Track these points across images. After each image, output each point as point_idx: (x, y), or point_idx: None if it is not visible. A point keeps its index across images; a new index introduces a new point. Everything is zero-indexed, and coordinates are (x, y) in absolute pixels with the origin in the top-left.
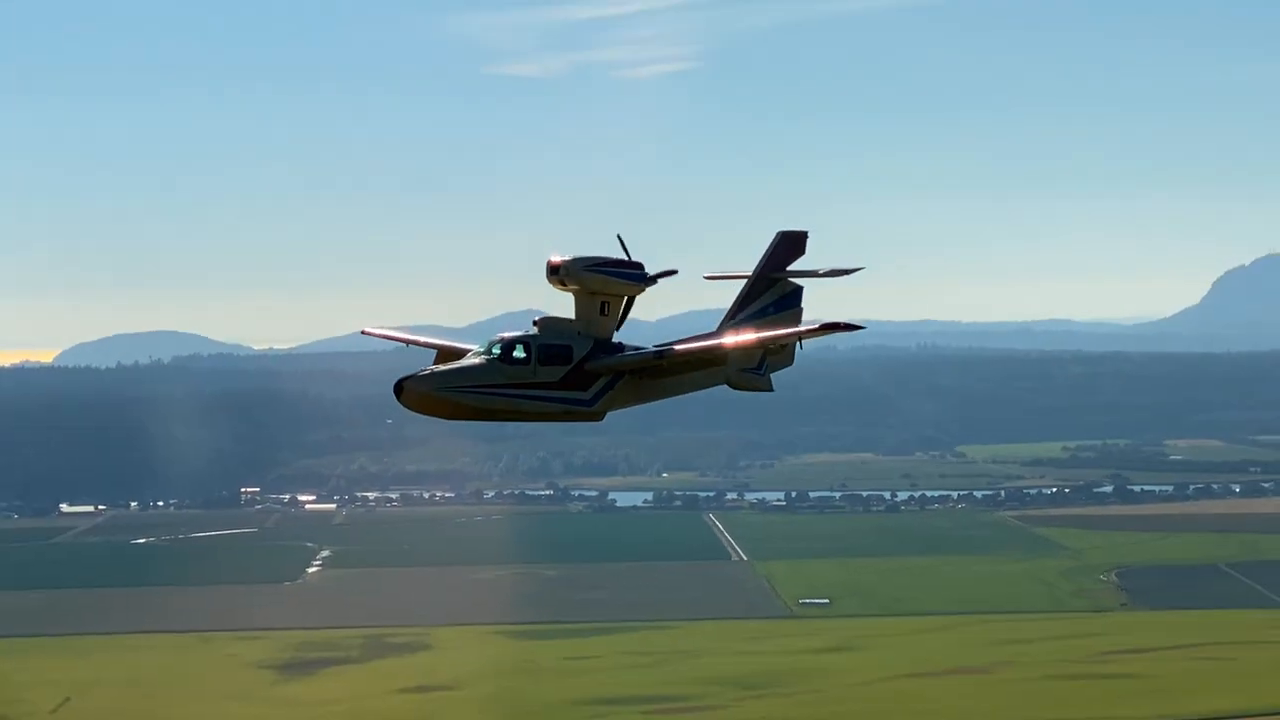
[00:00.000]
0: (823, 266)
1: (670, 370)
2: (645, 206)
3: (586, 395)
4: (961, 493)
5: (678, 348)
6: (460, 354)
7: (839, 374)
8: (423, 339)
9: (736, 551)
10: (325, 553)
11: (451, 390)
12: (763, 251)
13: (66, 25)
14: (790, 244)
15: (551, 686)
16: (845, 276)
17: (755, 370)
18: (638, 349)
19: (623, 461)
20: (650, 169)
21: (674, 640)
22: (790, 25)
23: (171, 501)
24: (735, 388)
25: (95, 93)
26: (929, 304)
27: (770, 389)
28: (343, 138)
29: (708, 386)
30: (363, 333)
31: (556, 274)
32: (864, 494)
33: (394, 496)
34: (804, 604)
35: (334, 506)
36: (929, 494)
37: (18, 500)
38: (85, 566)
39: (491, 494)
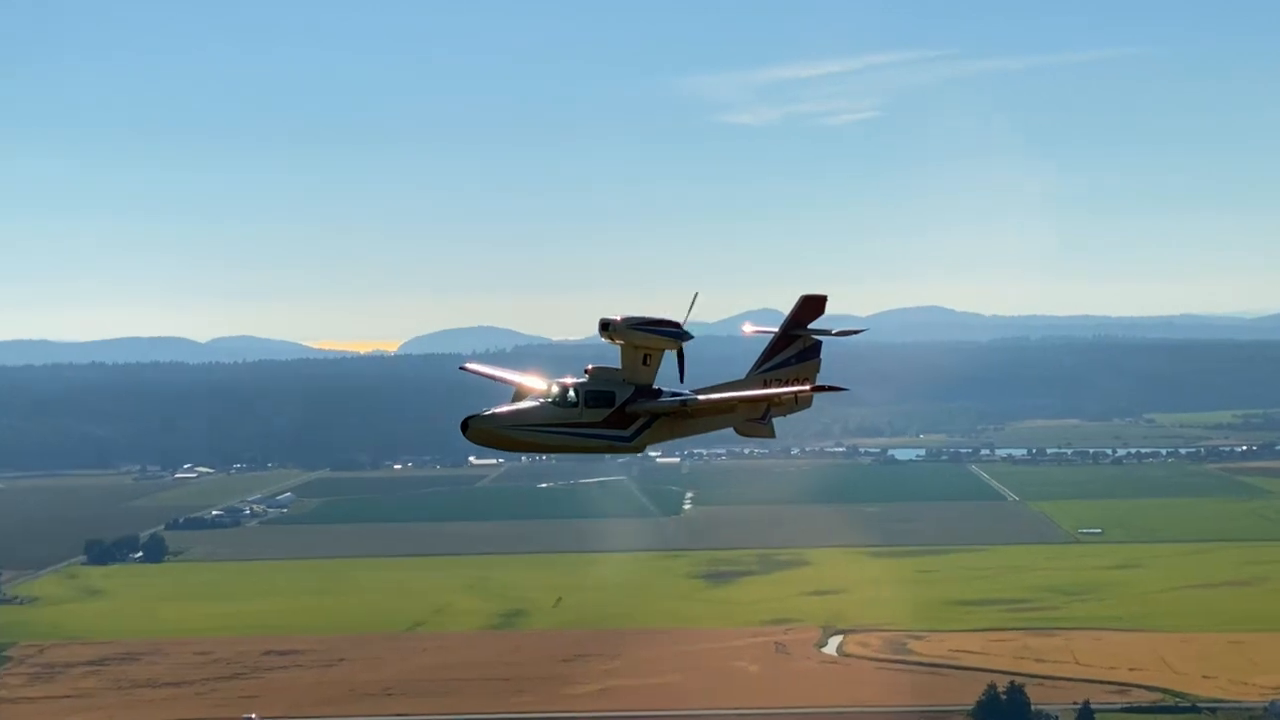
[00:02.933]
0: (834, 328)
1: (694, 415)
2: (839, 222)
3: (626, 433)
4: (1167, 450)
5: (700, 398)
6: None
7: (1037, 358)
8: (507, 377)
9: (1008, 494)
10: (689, 494)
11: (509, 428)
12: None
13: (434, 81)
14: (811, 306)
15: (917, 591)
16: (852, 336)
17: (759, 420)
18: (675, 394)
19: (887, 425)
20: (840, 198)
21: (992, 559)
22: (955, 79)
23: (553, 456)
24: (741, 434)
25: (431, 150)
26: (1088, 302)
27: (772, 435)
28: (602, 175)
29: (723, 428)
30: (461, 369)
31: (607, 330)
32: (1090, 450)
33: (721, 452)
34: (1082, 532)
35: (677, 459)
36: (1141, 450)
37: (437, 454)
38: (515, 504)
39: (797, 450)
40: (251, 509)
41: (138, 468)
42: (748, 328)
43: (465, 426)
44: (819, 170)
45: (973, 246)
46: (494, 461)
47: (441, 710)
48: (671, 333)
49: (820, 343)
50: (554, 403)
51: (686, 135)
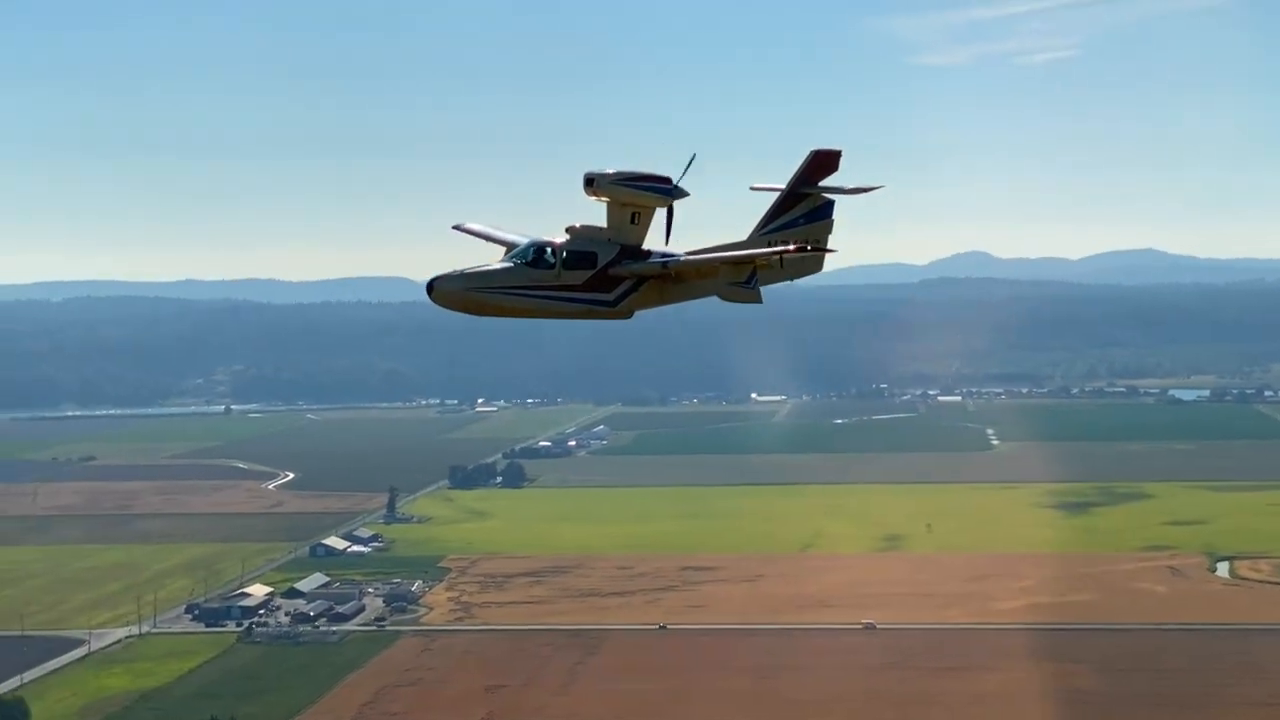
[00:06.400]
0: (848, 184)
1: (680, 278)
2: (1039, 164)
3: (609, 297)
4: None
5: (682, 258)
6: None
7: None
8: (503, 236)
9: None
10: (990, 430)
11: (478, 290)
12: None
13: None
14: (823, 161)
15: (1273, 523)
16: (869, 192)
17: (744, 284)
18: (665, 256)
19: (1155, 366)
20: (1037, 139)
21: None
22: (1157, 16)
23: (831, 393)
24: (724, 299)
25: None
26: None
27: (759, 300)
28: (795, 115)
29: (710, 294)
30: (454, 227)
31: (591, 185)
32: None
33: (999, 391)
34: None
35: (959, 398)
36: None
37: (718, 390)
38: (819, 438)
39: (1076, 390)
40: (575, 441)
41: (436, 401)
42: (754, 185)
43: (430, 288)
44: (1014, 111)
45: (1181, 188)
46: (779, 397)
47: (874, 620)
48: (661, 189)
49: (833, 203)
50: (527, 263)
51: (879, 76)
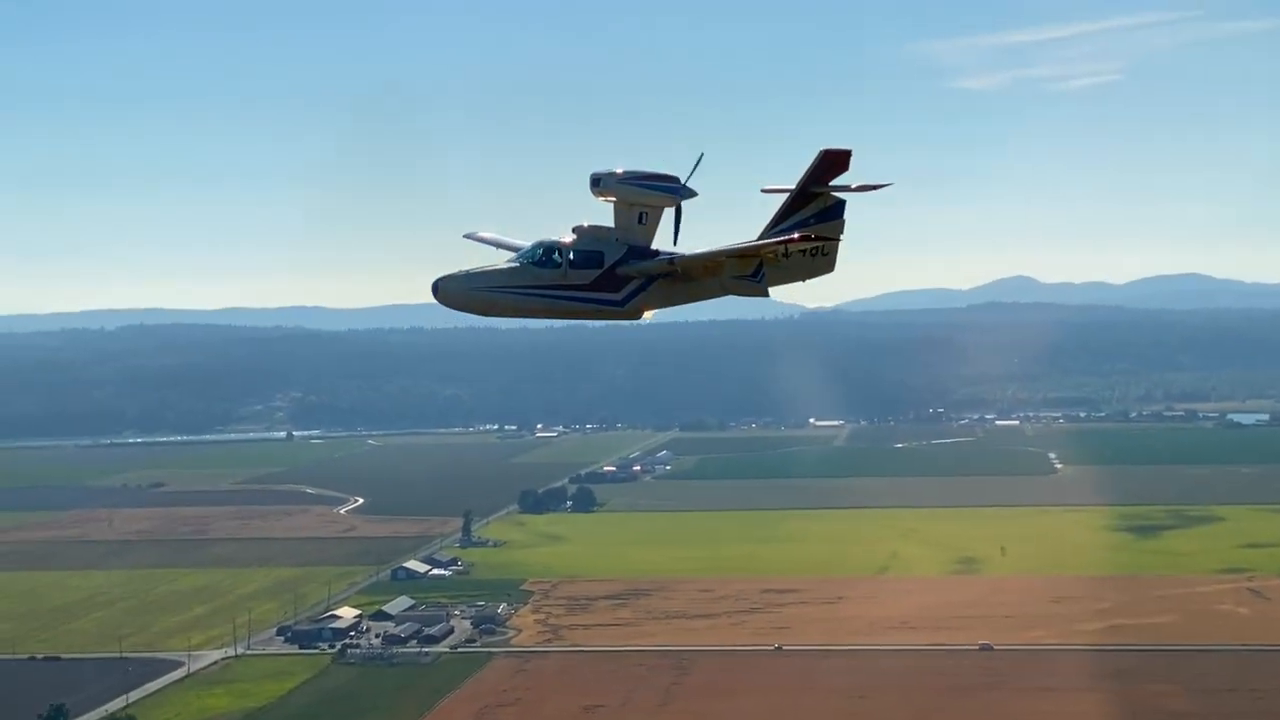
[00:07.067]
0: (854, 182)
1: (688, 275)
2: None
3: (618, 297)
4: None
5: (687, 254)
6: None
7: None
8: (512, 242)
9: None
10: (1052, 454)
11: (484, 290)
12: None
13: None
14: (833, 161)
15: None
16: (879, 190)
17: (750, 278)
18: (673, 255)
19: (1211, 390)
20: (1078, 164)
21: None
22: (1200, 41)
23: (889, 418)
24: (732, 293)
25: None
26: None
27: (765, 295)
28: (840, 137)
29: (721, 294)
30: (465, 236)
31: (598, 185)
32: None
33: (1057, 415)
34: None
35: (1016, 422)
36: None
37: (773, 415)
38: (881, 461)
39: (1134, 414)
40: (639, 466)
41: (495, 427)
42: (765, 187)
43: (436, 289)
44: (1054, 134)
45: (1224, 212)
46: (837, 422)
47: (960, 641)
48: (668, 188)
49: (844, 202)
50: (534, 263)
51: (917, 100)
